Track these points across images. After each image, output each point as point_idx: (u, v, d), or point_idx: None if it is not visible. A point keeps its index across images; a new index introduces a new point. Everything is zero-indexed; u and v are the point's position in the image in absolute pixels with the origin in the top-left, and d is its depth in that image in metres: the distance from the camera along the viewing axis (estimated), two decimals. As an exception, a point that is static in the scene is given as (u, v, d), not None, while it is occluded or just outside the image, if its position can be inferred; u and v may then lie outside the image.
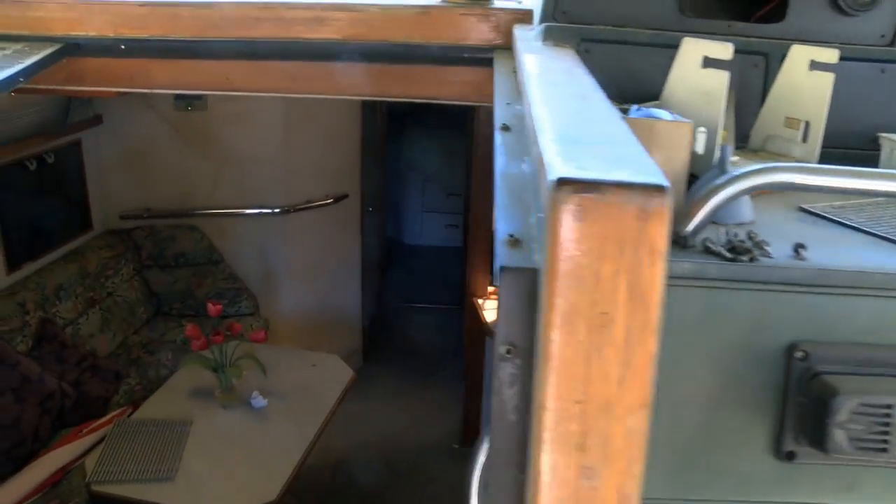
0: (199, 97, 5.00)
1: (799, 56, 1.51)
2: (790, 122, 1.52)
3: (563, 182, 0.74)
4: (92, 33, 2.13)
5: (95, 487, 3.41)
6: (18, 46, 2.05)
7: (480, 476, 1.32)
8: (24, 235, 4.48)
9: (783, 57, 1.60)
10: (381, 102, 6.16)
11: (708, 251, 1.08)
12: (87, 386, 4.20)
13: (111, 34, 2.13)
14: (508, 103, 1.55)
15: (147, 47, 2.14)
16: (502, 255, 1.07)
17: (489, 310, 4.72)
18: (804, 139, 1.49)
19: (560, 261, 0.76)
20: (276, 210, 5.36)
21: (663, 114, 1.18)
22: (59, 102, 4.59)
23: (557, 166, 0.77)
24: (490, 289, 4.89)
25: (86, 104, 4.78)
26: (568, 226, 0.74)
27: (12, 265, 4.34)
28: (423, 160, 8.74)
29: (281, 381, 4.11)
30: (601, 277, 0.76)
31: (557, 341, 0.78)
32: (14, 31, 2.10)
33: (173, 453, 3.57)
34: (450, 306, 7.42)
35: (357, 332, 6.07)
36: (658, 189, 0.74)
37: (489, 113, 4.50)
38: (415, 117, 9.17)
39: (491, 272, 4.93)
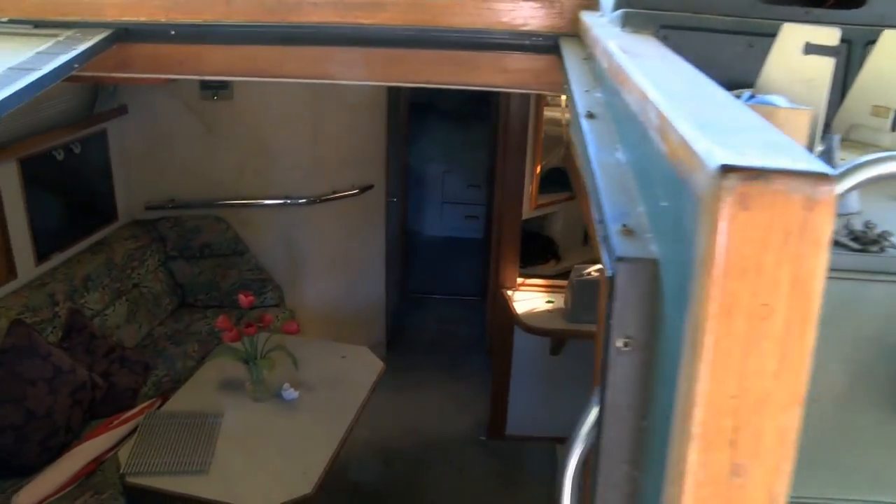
0: (225, 86, 4.97)
1: (890, 42, 1.46)
2: (877, 111, 1.47)
3: (727, 169, 0.70)
4: (143, 18, 2.10)
5: (130, 479, 3.39)
6: (70, 33, 2.02)
7: (574, 474, 1.29)
8: (52, 226, 4.47)
9: (866, 43, 1.56)
10: (404, 92, 6.13)
11: (834, 243, 1.04)
12: (116, 377, 4.18)
13: (162, 19, 2.09)
14: (587, 90, 1.51)
15: (199, 33, 2.10)
16: (618, 245, 1.03)
17: (519, 301, 4.69)
18: (893, 128, 1.45)
19: (720, 251, 0.73)
20: (302, 200, 5.33)
21: (779, 100, 1.15)
22: (86, 92, 4.56)
23: (716, 153, 0.73)
24: (519, 280, 4.86)
25: (111, 94, 4.75)
26: (731, 215, 0.71)
27: (41, 256, 4.32)
28: (443, 151, 8.71)
29: (311, 373, 4.09)
30: (763, 268, 0.73)
31: (714, 333, 0.74)
32: (66, 17, 2.07)
33: (206, 446, 3.55)
34: (471, 297, 7.41)
35: (381, 324, 6.04)
36: (825, 178, 0.71)
37: (516, 102, 4.41)
38: (435, 108, 9.15)
39: (519, 263, 4.90)
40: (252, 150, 5.23)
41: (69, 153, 4.50)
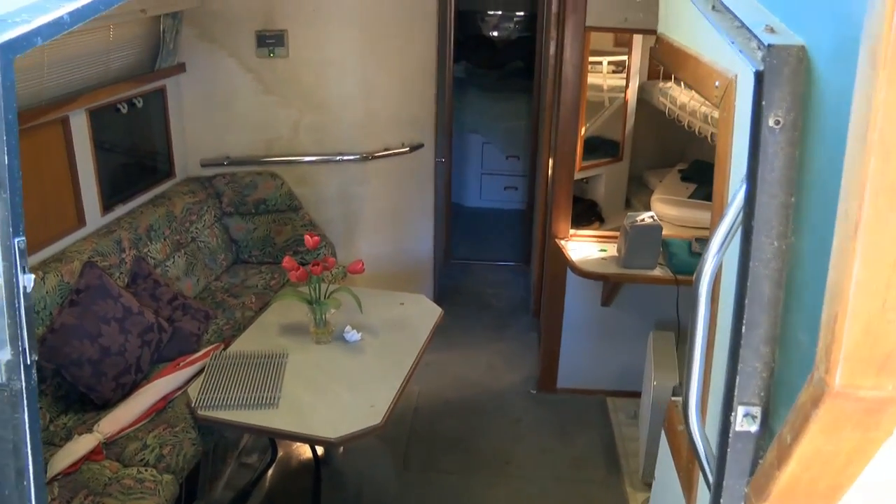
0: (280, 42, 5.07)
1: None
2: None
3: None
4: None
5: (201, 413, 3.48)
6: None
7: (713, 267, 1.31)
8: (116, 178, 4.59)
9: None
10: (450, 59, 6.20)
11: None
12: (179, 323, 4.28)
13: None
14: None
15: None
16: (766, 37, 1.10)
17: (572, 250, 4.74)
18: None
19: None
20: (355, 157, 5.41)
21: None
22: (149, 48, 4.67)
23: None
24: (571, 231, 4.91)
25: (171, 52, 4.85)
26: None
27: (106, 207, 4.44)
28: (482, 123, 8.80)
29: (371, 318, 4.14)
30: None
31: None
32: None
33: (274, 382, 3.63)
34: (514, 263, 7.50)
35: (429, 283, 6.13)
36: None
37: (570, 62, 4.44)
38: (473, 83, 9.25)
39: (571, 219, 4.95)
40: (307, 107, 5.31)
41: (132, 107, 4.62)
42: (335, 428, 3.35)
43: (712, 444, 1.38)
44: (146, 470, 3.32)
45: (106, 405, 3.68)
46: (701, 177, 6.57)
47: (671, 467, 1.88)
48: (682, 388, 1.41)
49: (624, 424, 5.02)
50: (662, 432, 2.02)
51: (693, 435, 1.37)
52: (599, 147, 6.47)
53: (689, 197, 6.24)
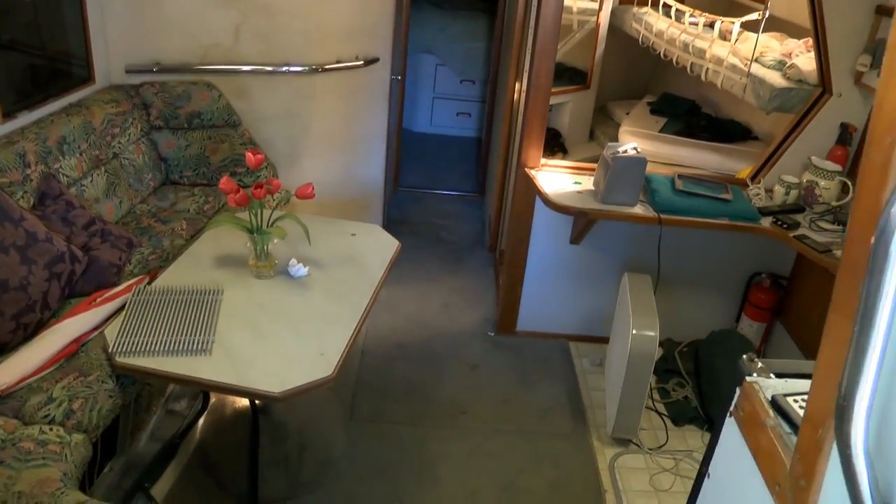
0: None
1: None
2: None
3: None
4: None
5: (120, 360, 2.94)
6: None
7: None
8: (18, 79, 3.91)
9: None
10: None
11: None
12: (97, 252, 3.70)
13: None
14: None
15: None
16: None
17: (544, 182, 4.27)
18: None
19: None
20: (303, 69, 4.80)
21: None
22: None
23: None
24: (542, 161, 4.44)
25: (89, -66, 4.15)
26: None
27: (6, 112, 3.77)
28: (437, 42, 8.19)
29: (318, 250, 3.64)
30: None
31: None
32: None
33: (206, 324, 3.11)
34: (467, 193, 7.06)
35: (378, 213, 5.62)
36: None
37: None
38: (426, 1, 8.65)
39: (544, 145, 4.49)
40: (250, 9, 4.64)
41: (40, -4, 3.93)
42: (279, 380, 2.85)
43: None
44: (51, 429, 2.77)
45: (3, 350, 3.10)
46: (671, 110, 6.22)
47: (747, 467, 1.45)
48: (843, 385, 0.96)
49: (589, 372, 4.66)
50: (730, 419, 1.59)
51: (854, 457, 0.93)
52: (564, 74, 6.05)
53: (660, 131, 5.90)
